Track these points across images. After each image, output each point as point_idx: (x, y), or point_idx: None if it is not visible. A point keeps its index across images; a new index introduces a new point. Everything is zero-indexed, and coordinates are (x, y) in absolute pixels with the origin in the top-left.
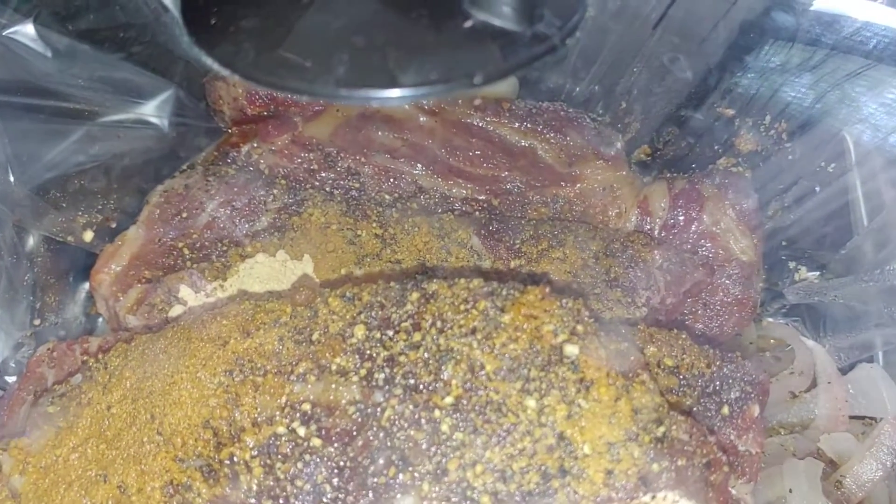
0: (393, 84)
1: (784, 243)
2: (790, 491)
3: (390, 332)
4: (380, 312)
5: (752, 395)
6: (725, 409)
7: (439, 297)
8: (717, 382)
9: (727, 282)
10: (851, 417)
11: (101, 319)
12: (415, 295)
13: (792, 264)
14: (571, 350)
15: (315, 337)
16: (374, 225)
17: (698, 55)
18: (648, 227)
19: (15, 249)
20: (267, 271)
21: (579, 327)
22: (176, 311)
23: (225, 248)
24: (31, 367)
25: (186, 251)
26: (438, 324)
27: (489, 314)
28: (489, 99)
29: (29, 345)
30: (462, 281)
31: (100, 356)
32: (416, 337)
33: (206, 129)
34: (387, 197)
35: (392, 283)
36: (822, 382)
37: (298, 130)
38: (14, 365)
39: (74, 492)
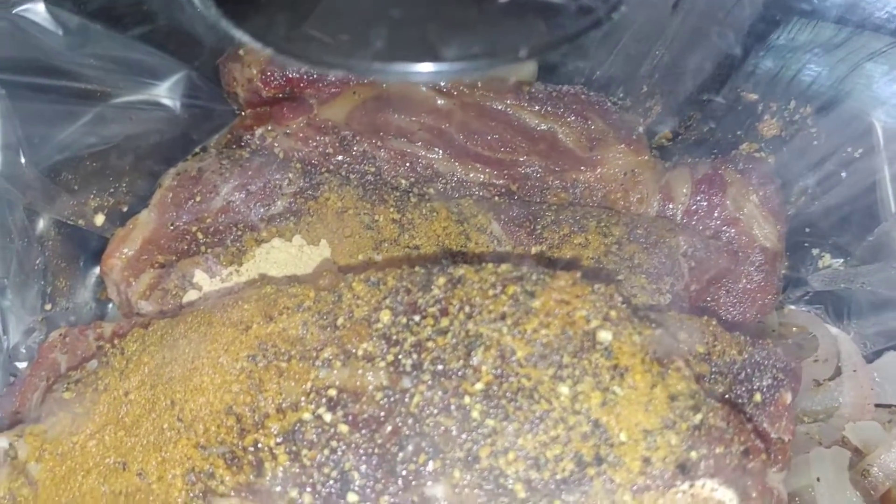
0: (434, 59)
1: (807, 230)
2: (818, 480)
3: (417, 318)
4: (406, 297)
5: (785, 383)
6: (758, 397)
7: (466, 281)
8: (749, 369)
9: (750, 268)
10: (877, 406)
11: (111, 305)
12: (441, 279)
13: (815, 251)
14: (605, 336)
15: (340, 322)
16: (392, 210)
17: (720, 35)
18: (670, 212)
19: (26, 233)
20: (283, 256)
21: (612, 313)
22: (190, 296)
23: (240, 233)
24: (44, 353)
25: (200, 235)
26: (466, 309)
27: (519, 299)
28: (508, 82)
29: (40, 330)
30: (490, 265)
31: (116, 341)
32: (444, 322)
33: (220, 111)
34: (403, 182)
35: (417, 268)
36: (846, 370)
37: (314, 113)
38: (25, 350)
39: (92, 479)
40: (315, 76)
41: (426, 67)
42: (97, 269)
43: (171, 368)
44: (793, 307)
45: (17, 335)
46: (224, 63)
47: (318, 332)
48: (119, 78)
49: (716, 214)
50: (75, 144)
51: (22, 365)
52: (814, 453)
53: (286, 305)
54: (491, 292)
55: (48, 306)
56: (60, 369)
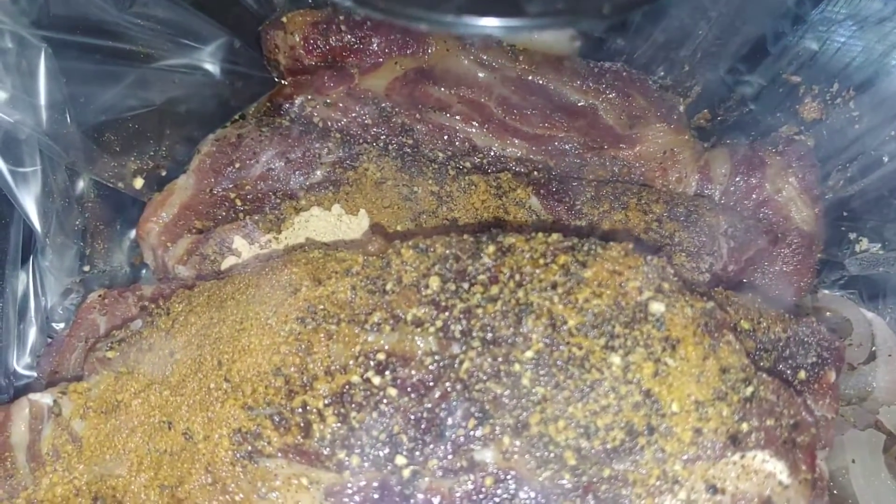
0: (519, 13)
1: (845, 213)
2: (853, 461)
3: (466, 285)
4: (455, 265)
5: (829, 361)
6: (802, 374)
7: (516, 250)
8: (794, 347)
9: (786, 251)
10: None
11: (144, 270)
12: (491, 248)
13: (853, 235)
14: (657, 307)
15: (389, 287)
16: (431, 182)
17: (761, 15)
18: (709, 192)
19: (66, 193)
20: (322, 225)
21: (665, 285)
22: (229, 262)
23: (279, 201)
24: (83, 314)
25: (238, 202)
26: (517, 277)
27: (570, 269)
28: (550, 56)
29: (77, 291)
30: (540, 235)
31: (161, 302)
32: (494, 290)
33: (259, 78)
34: (440, 154)
35: (465, 236)
36: (881, 354)
37: (355, 83)
38: (62, 311)
39: (138, 437)
40: (358, 45)
41: (508, 21)
42: (132, 233)
43: (219, 329)
44: (827, 291)
45: (54, 296)
46: (266, 29)
47: (367, 296)
48: (162, 41)
49: (754, 196)
50: (118, 106)
51: (59, 326)
52: (848, 435)
53: (335, 269)
54: (542, 261)
55: (86, 268)
56: (99, 330)
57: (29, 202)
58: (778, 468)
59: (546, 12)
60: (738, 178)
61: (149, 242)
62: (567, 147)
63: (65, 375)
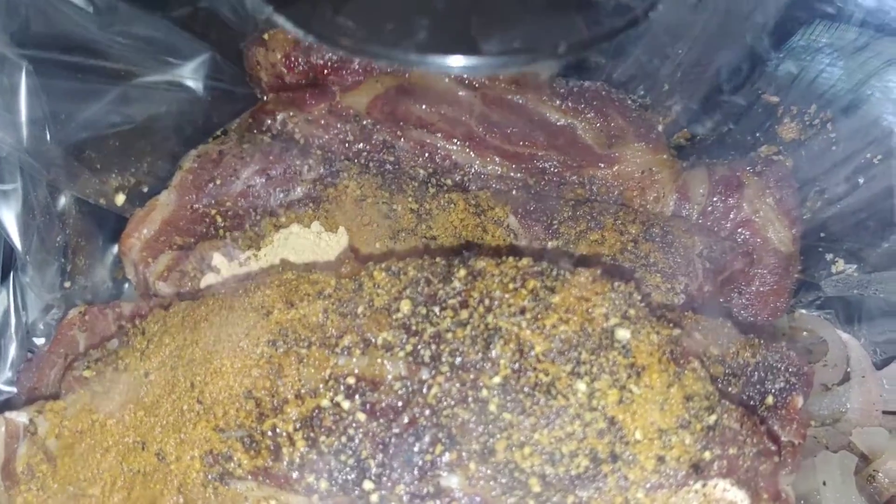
0: (475, 52)
1: (822, 234)
2: (823, 483)
3: (437, 309)
4: (426, 288)
5: (797, 386)
6: (770, 399)
7: (487, 274)
8: (762, 372)
9: (763, 271)
10: (885, 413)
11: (127, 285)
12: (462, 272)
13: (829, 256)
14: (623, 334)
15: (360, 310)
16: (410, 199)
17: (741, 36)
18: (686, 212)
19: (47, 209)
20: (302, 243)
21: (631, 311)
22: (209, 279)
23: (259, 218)
24: (63, 330)
25: (219, 219)
26: (486, 302)
27: (539, 294)
28: (530, 75)
29: (58, 307)
30: (510, 259)
31: (136, 321)
32: (464, 314)
33: (241, 94)
34: (421, 172)
35: (438, 259)
36: (855, 376)
37: (336, 100)
38: (43, 327)
39: (111, 457)
40: (339, 63)
41: (467, 60)
42: (115, 249)
43: (192, 351)
44: (804, 311)
45: (35, 312)
46: (248, 47)
47: (339, 319)
48: (144, 57)
49: (731, 216)
50: (99, 123)
51: (39, 341)
52: (820, 457)
53: (307, 292)
54: (511, 286)
55: (67, 284)
56: (79, 347)
57: (9, 219)
58: (739, 497)
59: (504, 51)
60: (715, 199)
61: (130, 258)
62: (546, 165)
63: (44, 392)
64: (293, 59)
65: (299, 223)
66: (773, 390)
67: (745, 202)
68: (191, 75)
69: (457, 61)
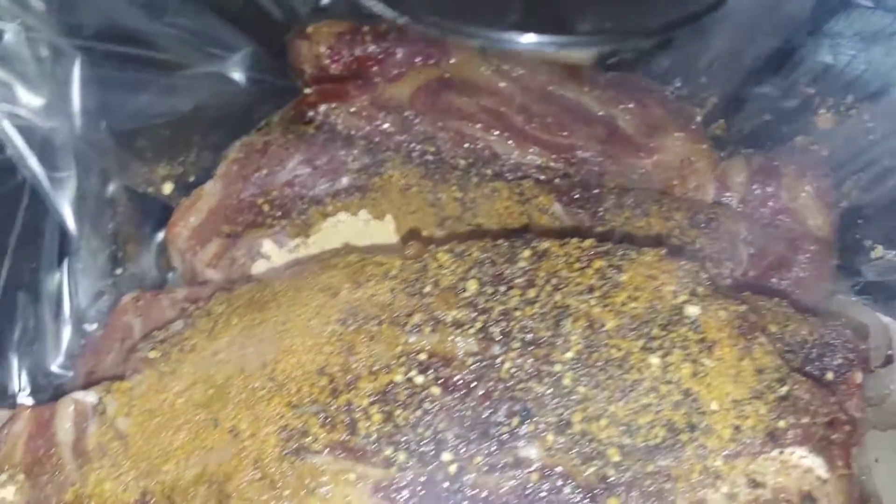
0: (569, 31)
1: (860, 221)
2: (876, 461)
3: (503, 288)
4: (491, 269)
5: (855, 363)
6: (829, 375)
7: (551, 255)
8: (820, 349)
9: (803, 257)
10: None
11: (171, 273)
12: (526, 252)
13: (868, 242)
14: (692, 310)
15: (427, 290)
16: (454, 188)
17: (777, 26)
18: (726, 200)
19: (100, 197)
20: (350, 230)
21: (699, 289)
22: (259, 266)
23: (305, 206)
24: (117, 316)
25: (266, 207)
26: (553, 281)
27: (606, 273)
28: (570, 67)
29: (109, 294)
30: (574, 240)
31: (200, 303)
32: (531, 293)
33: (283, 87)
34: (461, 162)
35: (500, 241)
36: None
37: (378, 92)
38: (94, 313)
39: (184, 435)
40: (382, 55)
41: (563, 40)
42: (160, 237)
43: (262, 330)
44: (841, 297)
45: (87, 298)
46: (292, 39)
47: (406, 298)
48: (190, 49)
49: (770, 204)
50: (148, 113)
51: (91, 327)
52: (870, 435)
53: (373, 273)
54: (577, 265)
55: (118, 271)
56: (134, 332)
57: (64, 206)
58: (816, 464)
59: (596, 31)
60: (754, 187)
61: (177, 246)
62: (586, 155)
63: (100, 376)
64: (337, 51)
65: (346, 211)
66: (831, 366)
67: (783, 190)
68: (235, 68)
69: (550, 40)
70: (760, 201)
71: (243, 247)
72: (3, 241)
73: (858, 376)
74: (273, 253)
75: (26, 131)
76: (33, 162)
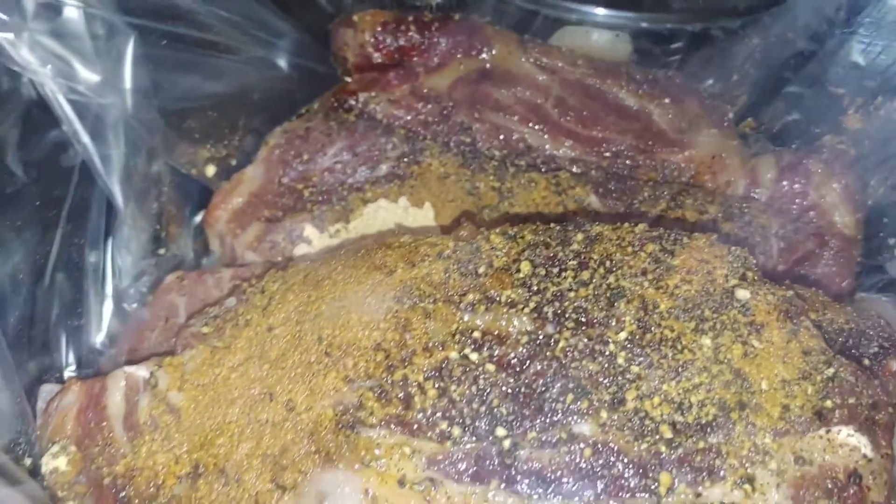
0: (663, 9)
1: (885, 220)
2: None
3: (556, 270)
4: (544, 251)
5: (891, 351)
6: (866, 362)
7: (604, 239)
8: (856, 337)
9: (828, 254)
10: None
11: (205, 258)
12: (579, 235)
13: (892, 241)
14: (743, 294)
15: (481, 270)
16: (492, 178)
17: (808, 24)
18: (756, 196)
19: (145, 177)
20: (390, 216)
21: (749, 273)
22: (301, 249)
23: (345, 193)
24: (161, 294)
25: (306, 193)
26: (606, 263)
27: (658, 257)
28: (607, 62)
29: (150, 273)
30: (626, 225)
31: (253, 281)
32: (584, 275)
33: (324, 74)
34: (496, 153)
35: (553, 224)
36: None
37: (419, 81)
38: (134, 293)
39: (238, 408)
40: (425, 45)
41: (654, 17)
42: (197, 219)
43: (317, 307)
44: (864, 294)
45: (128, 277)
46: (336, 27)
47: (460, 278)
48: (239, 33)
49: (798, 200)
50: (195, 94)
51: (132, 306)
52: None
53: (427, 253)
54: (630, 249)
55: (161, 251)
56: (178, 311)
57: (113, 183)
58: (861, 443)
59: (688, 9)
60: (783, 184)
61: (216, 229)
62: (620, 149)
63: (144, 353)
64: (381, 39)
65: (386, 198)
66: (867, 354)
67: (812, 188)
68: (280, 53)
69: (644, 18)
70: (789, 198)
71: (284, 231)
72: (55, 217)
73: (894, 364)
74: (314, 237)
75: (80, 107)
76: (86, 138)
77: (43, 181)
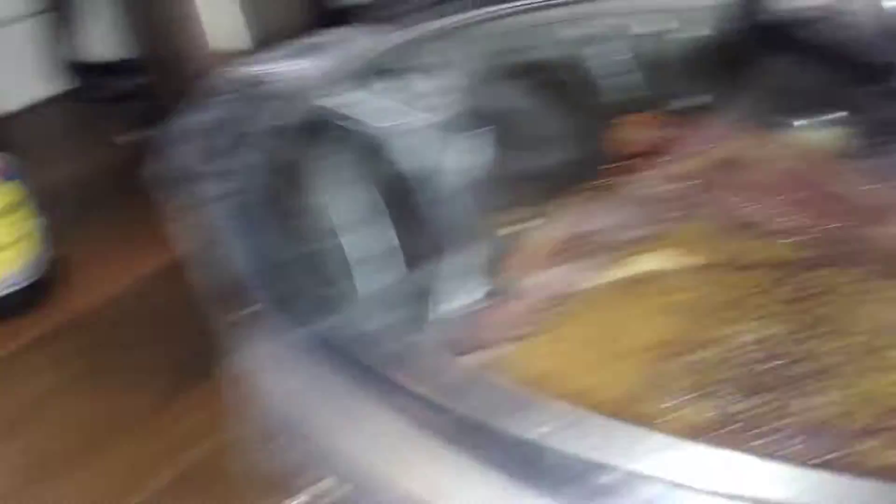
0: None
1: None
2: None
3: (809, 293)
4: (797, 275)
5: None
6: None
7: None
8: None
9: None
10: None
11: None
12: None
13: None
14: None
15: (735, 295)
16: (733, 244)
17: None
18: None
19: None
20: (650, 267)
21: None
22: (581, 287)
23: (617, 246)
24: (484, 316)
25: (587, 249)
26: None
27: None
28: (837, 152)
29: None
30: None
31: (561, 302)
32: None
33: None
34: (736, 226)
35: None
36: None
37: (671, 168)
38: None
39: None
40: (680, 139)
41: None
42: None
43: (609, 321)
44: None
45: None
46: (614, 126)
47: (720, 299)
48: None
49: None
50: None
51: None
52: None
53: (688, 281)
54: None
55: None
56: (492, 326)
57: None
58: None
59: None
60: None
61: (512, 272)
62: (851, 225)
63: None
64: (645, 134)
65: (647, 253)
66: None
67: None
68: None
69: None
70: None
71: (563, 275)
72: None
73: None
74: (589, 280)
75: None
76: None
77: None
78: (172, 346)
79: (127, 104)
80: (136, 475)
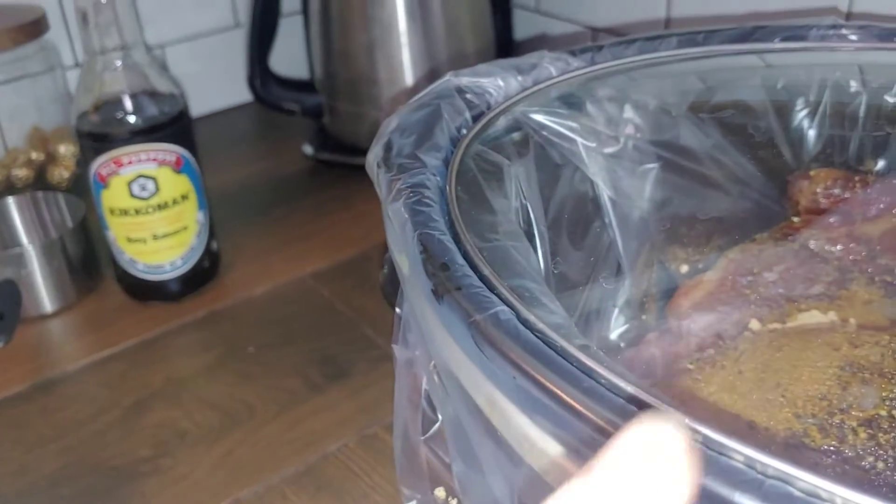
0: None
1: None
2: None
3: None
4: None
5: None
6: None
7: None
8: None
9: None
10: None
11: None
12: None
13: None
14: None
15: None
16: None
17: None
18: None
19: (647, 262)
20: (819, 324)
21: None
22: (745, 335)
23: (783, 302)
24: (644, 346)
25: (752, 296)
26: None
27: None
28: None
29: (631, 328)
30: None
31: (727, 341)
32: None
33: (776, 211)
34: None
35: None
36: None
37: (854, 227)
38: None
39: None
40: (865, 199)
41: None
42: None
43: (777, 363)
44: None
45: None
46: (796, 178)
47: (893, 361)
48: (724, 174)
49: None
50: (688, 212)
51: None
52: None
53: (867, 340)
54: None
55: (644, 316)
56: (655, 359)
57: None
58: None
59: None
60: None
61: (677, 312)
62: None
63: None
64: (830, 191)
65: (817, 310)
66: None
67: None
68: (748, 191)
69: None
70: None
71: (733, 321)
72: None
73: None
74: (756, 328)
75: (617, 207)
76: (615, 230)
77: None
78: (316, 344)
79: (313, 119)
80: (267, 460)
